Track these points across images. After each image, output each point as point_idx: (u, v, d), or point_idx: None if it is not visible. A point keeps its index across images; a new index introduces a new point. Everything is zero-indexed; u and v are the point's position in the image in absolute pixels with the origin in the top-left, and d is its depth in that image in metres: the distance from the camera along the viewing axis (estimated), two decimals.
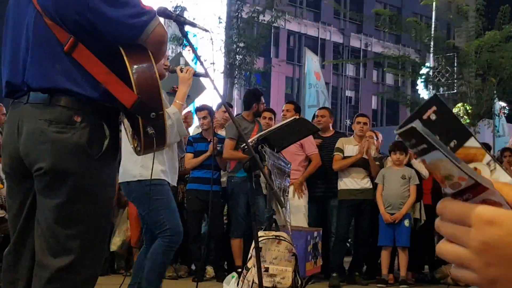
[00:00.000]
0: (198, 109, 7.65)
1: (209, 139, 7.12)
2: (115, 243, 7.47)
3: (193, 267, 7.61)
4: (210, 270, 7.25)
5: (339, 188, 7.44)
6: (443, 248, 0.72)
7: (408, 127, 0.70)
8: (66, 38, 2.27)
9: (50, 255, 2.29)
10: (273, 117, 7.61)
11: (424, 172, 7.61)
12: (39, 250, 2.32)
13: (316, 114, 8.10)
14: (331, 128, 8.07)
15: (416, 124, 0.70)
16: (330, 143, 7.58)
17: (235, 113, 11.68)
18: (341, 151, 7.43)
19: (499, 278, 0.68)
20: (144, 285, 4.16)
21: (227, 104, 7.28)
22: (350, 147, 7.44)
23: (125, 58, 2.27)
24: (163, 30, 2.39)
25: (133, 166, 4.01)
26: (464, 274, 0.71)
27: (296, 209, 6.96)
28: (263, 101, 7.42)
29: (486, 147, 7.58)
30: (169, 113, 3.93)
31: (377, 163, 7.59)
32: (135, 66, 2.28)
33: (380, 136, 9.17)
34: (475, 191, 0.71)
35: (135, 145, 2.41)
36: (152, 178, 3.98)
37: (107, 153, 2.35)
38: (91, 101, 2.31)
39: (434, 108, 0.75)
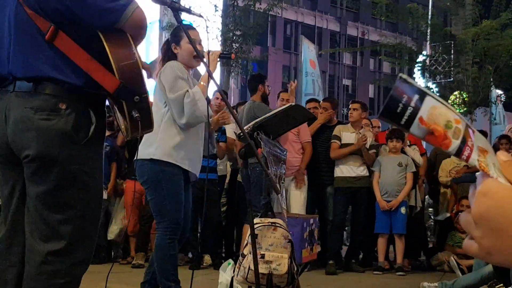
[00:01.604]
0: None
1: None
2: (112, 231, 7.48)
3: (190, 255, 7.63)
4: (207, 258, 7.27)
5: (335, 175, 7.45)
6: (463, 215, 0.75)
7: (398, 78, 0.71)
8: (47, 27, 2.28)
9: (41, 240, 2.31)
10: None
11: (418, 159, 7.64)
12: (30, 236, 2.33)
13: (320, 105, 8.09)
14: (334, 118, 8.11)
15: (402, 75, 0.71)
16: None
17: (231, 102, 11.68)
18: (338, 138, 7.43)
19: (492, 249, 0.70)
20: (160, 281, 4.07)
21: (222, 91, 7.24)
22: (347, 134, 7.45)
23: (105, 43, 2.28)
24: (142, 14, 2.39)
25: (148, 145, 3.92)
26: (470, 246, 0.73)
27: (294, 199, 7.00)
28: (267, 83, 7.28)
29: (483, 134, 7.59)
30: (190, 92, 3.89)
31: (374, 150, 7.60)
32: (115, 51, 2.29)
33: (379, 124, 9.19)
34: (470, 136, 0.72)
35: (123, 128, 2.43)
36: (165, 160, 3.92)
37: (93, 139, 2.37)
38: (76, 88, 2.33)
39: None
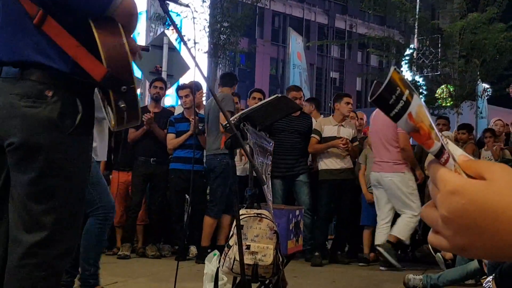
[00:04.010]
0: (180, 88, 7.61)
1: (191, 119, 7.10)
2: None
3: (176, 246, 7.63)
4: (193, 250, 7.27)
5: (319, 168, 7.45)
6: (425, 210, 0.73)
7: (391, 72, 0.70)
8: (35, 11, 2.23)
9: (24, 230, 2.27)
10: (262, 98, 7.60)
11: None
12: (13, 225, 2.30)
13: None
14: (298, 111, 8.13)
15: (396, 68, 0.71)
16: None
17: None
18: (318, 133, 7.40)
19: (466, 245, 0.69)
20: (82, 264, 4.28)
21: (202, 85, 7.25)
22: (329, 128, 7.43)
23: (94, 31, 2.24)
24: (133, 2, 2.36)
25: None
26: (438, 241, 0.72)
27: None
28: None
29: (469, 128, 7.61)
30: None
31: (357, 143, 7.65)
32: (104, 39, 2.25)
33: (364, 117, 9.21)
34: (444, 142, 0.72)
35: (111, 120, 2.39)
36: None
37: (80, 128, 2.33)
38: (63, 75, 2.28)
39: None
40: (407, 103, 0.70)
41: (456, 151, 0.73)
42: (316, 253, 7.18)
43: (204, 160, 7.32)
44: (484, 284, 2.34)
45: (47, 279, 2.29)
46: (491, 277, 2.28)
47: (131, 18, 2.37)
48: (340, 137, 7.35)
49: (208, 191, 7.36)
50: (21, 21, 2.27)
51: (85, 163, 2.43)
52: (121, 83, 2.28)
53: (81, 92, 2.35)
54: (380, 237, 6.97)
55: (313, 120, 7.83)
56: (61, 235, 2.32)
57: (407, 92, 0.69)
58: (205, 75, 4.17)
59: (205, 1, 15.76)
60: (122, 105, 2.29)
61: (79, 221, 2.47)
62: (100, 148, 4.27)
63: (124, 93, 2.28)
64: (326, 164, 7.42)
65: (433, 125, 0.71)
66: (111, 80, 2.26)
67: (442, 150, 0.72)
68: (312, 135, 7.43)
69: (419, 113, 0.70)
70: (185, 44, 3.52)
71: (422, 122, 0.70)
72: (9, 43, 2.30)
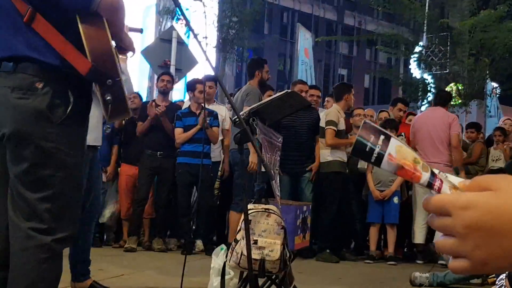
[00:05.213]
0: (197, 82, 7.46)
1: (197, 113, 7.10)
2: (105, 215, 7.48)
3: (183, 240, 7.63)
4: (199, 244, 7.27)
5: (330, 159, 7.27)
6: (439, 243, 0.74)
7: (363, 123, 0.76)
8: (25, 9, 2.32)
9: (23, 218, 2.35)
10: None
11: None
12: (13, 214, 2.37)
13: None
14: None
15: (366, 120, 0.78)
16: None
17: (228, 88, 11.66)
18: (335, 124, 7.20)
19: (488, 258, 0.70)
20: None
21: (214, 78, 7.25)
22: (341, 120, 7.32)
23: (80, 26, 2.32)
24: None
25: None
26: (460, 265, 0.72)
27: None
28: (267, 68, 7.19)
29: (477, 127, 7.59)
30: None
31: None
32: (89, 34, 2.33)
33: (374, 114, 9.19)
34: (436, 172, 0.76)
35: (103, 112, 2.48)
36: None
37: (71, 118, 2.39)
38: (54, 69, 2.36)
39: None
40: (384, 147, 0.75)
41: (456, 180, 0.76)
42: (328, 251, 7.14)
43: (212, 155, 7.32)
44: (497, 282, 2.34)
45: (49, 261, 2.36)
46: (504, 275, 2.27)
47: (115, 12, 2.44)
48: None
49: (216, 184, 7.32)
50: (13, 18, 2.36)
51: (79, 152, 2.49)
52: (106, 77, 2.36)
53: (75, 84, 2.42)
54: (419, 236, 7.24)
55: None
56: (58, 222, 2.39)
57: (382, 137, 0.75)
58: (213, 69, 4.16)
59: None
60: (108, 98, 2.37)
61: (77, 209, 2.53)
62: (91, 131, 4.26)
63: (110, 86, 2.36)
64: (340, 156, 7.27)
65: (419, 158, 0.75)
66: (96, 74, 2.34)
67: (432, 178, 0.75)
68: (329, 126, 7.17)
69: (399, 151, 0.75)
70: (195, 37, 3.52)
71: (404, 159, 0.75)
72: (3, 39, 2.39)
